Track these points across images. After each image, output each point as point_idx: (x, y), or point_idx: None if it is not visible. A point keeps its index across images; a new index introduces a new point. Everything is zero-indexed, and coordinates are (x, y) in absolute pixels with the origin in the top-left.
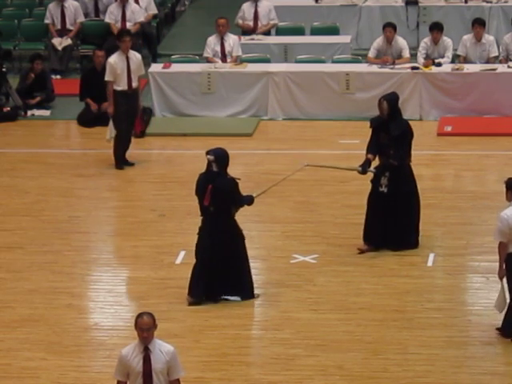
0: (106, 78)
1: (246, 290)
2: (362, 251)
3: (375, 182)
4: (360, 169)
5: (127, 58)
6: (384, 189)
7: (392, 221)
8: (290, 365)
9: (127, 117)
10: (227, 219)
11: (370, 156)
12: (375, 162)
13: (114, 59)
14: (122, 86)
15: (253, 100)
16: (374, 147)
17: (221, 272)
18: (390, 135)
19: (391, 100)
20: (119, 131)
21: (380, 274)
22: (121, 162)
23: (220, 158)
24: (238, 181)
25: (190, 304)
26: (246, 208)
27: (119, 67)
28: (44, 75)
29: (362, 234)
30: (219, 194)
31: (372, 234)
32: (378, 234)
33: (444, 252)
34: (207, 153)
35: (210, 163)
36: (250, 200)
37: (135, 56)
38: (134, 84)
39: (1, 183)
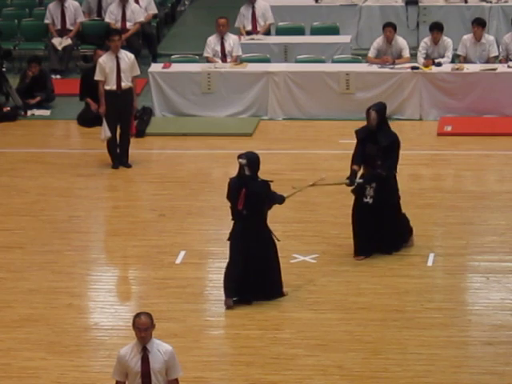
0: (96, 78)
1: (276, 291)
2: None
3: (359, 192)
4: (348, 181)
5: (117, 58)
6: (369, 199)
7: (378, 230)
8: (290, 365)
9: (119, 116)
10: (260, 221)
11: (355, 167)
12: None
13: (103, 59)
14: (110, 85)
15: (253, 100)
16: (359, 158)
17: (253, 274)
18: (379, 146)
19: (380, 110)
20: (111, 131)
21: (380, 273)
22: (116, 161)
23: (252, 161)
24: (270, 183)
25: (228, 308)
26: None
27: (108, 66)
28: (44, 75)
29: (353, 248)
30: (254, 198)
31: (362, 245)
32: (368, 243)
33: (444, 252)
34: (239, 157)
35: (241, 167)
36: (281, 199)
37: (127, 56)
38: (124, 84)
39: (1, 183)
